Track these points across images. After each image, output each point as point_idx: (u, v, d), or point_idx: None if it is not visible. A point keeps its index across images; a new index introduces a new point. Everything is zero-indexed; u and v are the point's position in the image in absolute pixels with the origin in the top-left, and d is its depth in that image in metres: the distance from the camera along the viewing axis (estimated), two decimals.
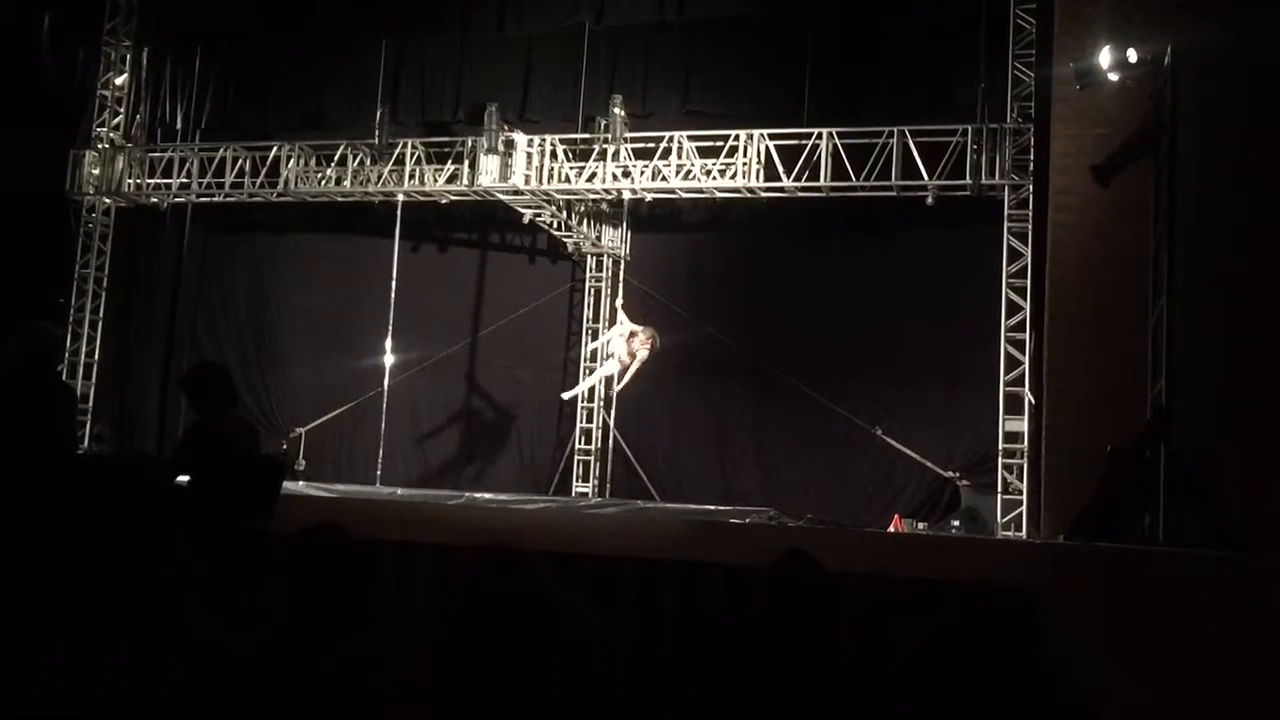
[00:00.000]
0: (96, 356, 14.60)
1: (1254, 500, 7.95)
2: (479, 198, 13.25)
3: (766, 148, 12.12)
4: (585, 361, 13.61)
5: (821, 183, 11.95)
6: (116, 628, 2.35)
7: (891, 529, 11.20)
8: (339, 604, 3.05)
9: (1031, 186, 11.24)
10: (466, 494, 11.83)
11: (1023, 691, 1.50)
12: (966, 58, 11.70)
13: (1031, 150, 11.27)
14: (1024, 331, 11.24)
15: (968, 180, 11.46)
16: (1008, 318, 11.35)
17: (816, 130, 11.95)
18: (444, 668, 1.57)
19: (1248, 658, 5.70)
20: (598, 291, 13.90)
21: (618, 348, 12.39)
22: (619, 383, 12.70)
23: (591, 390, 13.59)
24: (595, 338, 13.46)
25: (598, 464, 13.52)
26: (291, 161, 13.70)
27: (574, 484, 13.43)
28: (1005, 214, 11.45)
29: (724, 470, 12.94)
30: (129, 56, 14.80)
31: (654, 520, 10.09)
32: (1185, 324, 8.64)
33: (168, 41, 14.55)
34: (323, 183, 13.68)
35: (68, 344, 14.16)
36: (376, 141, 13.24)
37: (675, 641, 1.82)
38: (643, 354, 12.07)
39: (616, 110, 12.36)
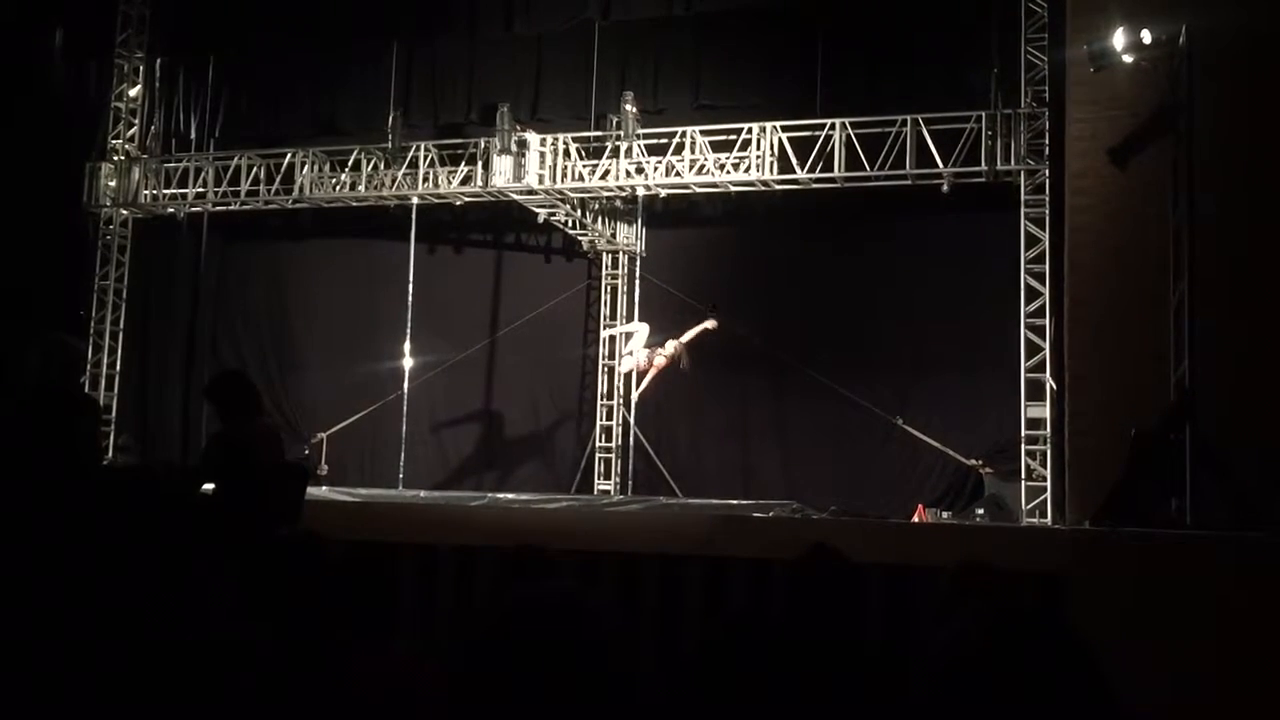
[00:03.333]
0: (118, 368, 14.67)
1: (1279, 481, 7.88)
2: (493, 198, 13.26)
3: (779, 140, 12.07)
4: (604, 346, 13.62)
5: (836, 174, 11.89)
6: (142, 637, 2.36)
7: (915, 519, 11.16)
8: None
9: (1048, 171, 11.16)
10: (489, 495, 11.84)
11: (1052, 679, 1.49)
12: (978, 43, 11.65)
13: (1047, 135, 11.19)
14: (1044, 317, 11.19)
15: (983, 167, 11.40)
16: (1027, 303, 11.29)
17: (829, 121, 11.89)
18: (467, 668, 1.57)
19: (1275, 640, 5.65)
20: (614, 289, 13.92)
21: (637, 345, 12.42)
22: (637, 387, 12.74)
23: (610, 386, 13.63)
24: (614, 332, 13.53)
25: (619, 461, 13.53)
26: (306, 168, 13.74)
27: (596, 482, 13.44)
28: (1022, 199, 11.38)
29: (745, 465, 12.93)
30: (142, 68, 14.87)
31: (677, 516, 10.07)
32: (1208, 304, 8.56)
33: (179, 52, 14.62)
34: (337, 188, 13.71)
35: (89, 356, 14.25)
36: (390, 145, 13.26)
37: (700, 637, 1.81)
38: (659, 361, 12.12)
39: (628, 107, 12.35)
